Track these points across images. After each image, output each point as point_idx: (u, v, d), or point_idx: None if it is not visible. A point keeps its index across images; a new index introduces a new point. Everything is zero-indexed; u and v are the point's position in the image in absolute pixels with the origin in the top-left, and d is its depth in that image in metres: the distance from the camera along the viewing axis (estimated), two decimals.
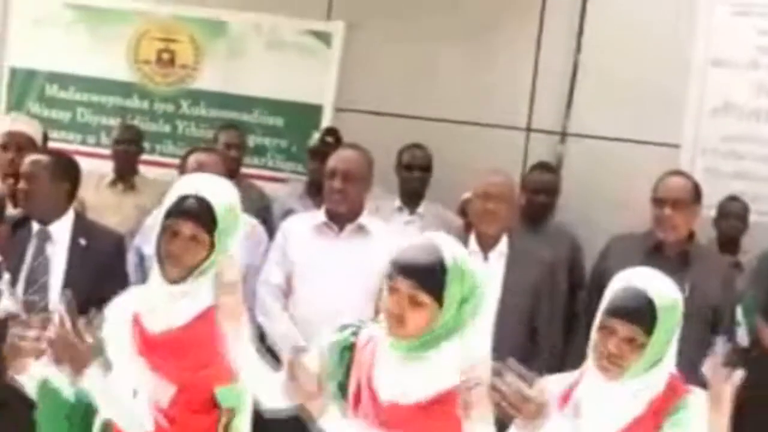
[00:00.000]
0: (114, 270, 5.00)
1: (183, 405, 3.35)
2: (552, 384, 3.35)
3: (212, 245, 3.36)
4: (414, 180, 6.48)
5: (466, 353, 3.08)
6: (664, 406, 3.22)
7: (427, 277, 3.02)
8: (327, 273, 5.14)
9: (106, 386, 3.24)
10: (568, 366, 5.23)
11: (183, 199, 3.36)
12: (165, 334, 3.39)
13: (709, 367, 3.23)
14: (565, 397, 3.32)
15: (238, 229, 3.46)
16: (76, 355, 3.15)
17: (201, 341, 3.37)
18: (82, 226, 5.06)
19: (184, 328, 3.38)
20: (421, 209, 6.41)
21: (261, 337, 4.68)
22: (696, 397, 3.23)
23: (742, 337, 5.86)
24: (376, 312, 3.65)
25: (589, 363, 3.29)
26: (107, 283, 4.82)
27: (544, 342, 5.23)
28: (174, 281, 3.37)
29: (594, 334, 3.25)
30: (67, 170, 5.12)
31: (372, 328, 3.23)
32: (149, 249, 5.01)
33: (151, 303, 3.42)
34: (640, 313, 3.16)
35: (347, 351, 3.23)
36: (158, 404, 3.34)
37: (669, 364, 3.28)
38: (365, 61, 7.27)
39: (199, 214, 3.34)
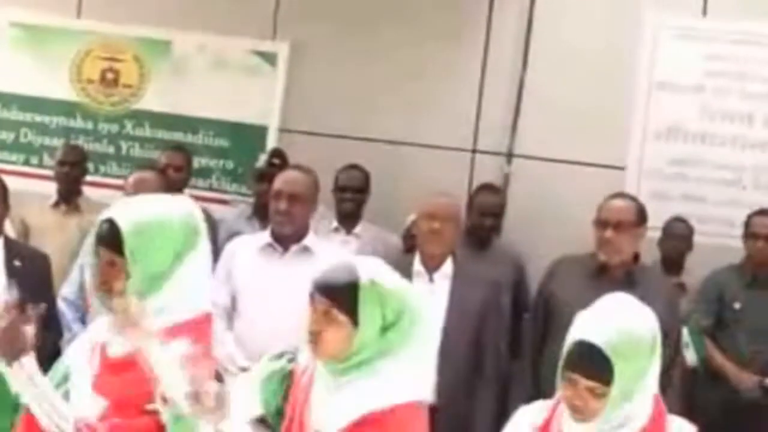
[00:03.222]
0: (46, 290, 4.95)
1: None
2: (527, 415, 3.35)
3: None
4: (347, 201, 6.50)
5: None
6: None
7: (340, 295, 3.00)
8: (271, 294, 5.10)
9: (38, 379, 3.15)
10: (514, 387, 5.27)
11: (99, 225, 3.28)
12: (119, 359, 3.30)
13: None
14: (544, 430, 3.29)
15: (167, 243, 3.30)
16: (15, 342, 3.09)
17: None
18: (13, 248, 4.99)
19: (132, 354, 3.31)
20: (358, 230, 6.45)
21: None
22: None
23: (691, 357, 5.89)
24: None
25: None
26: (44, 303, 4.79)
27: (490, 363, 5.20)
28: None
29: (558, 381, 3.22)
30: (6, 192, 5.06)
31: (307, 355, 3.17)
32: None
33: (108, 333, 3.34)
34: (595, 369, 3.12)
35: (286, 379, 3.18)
36: (85, 419, 3.25)
37: (648, 390, 3.23)
38: (311, 82, 7.26)
39: (106, 238, 3.24)
